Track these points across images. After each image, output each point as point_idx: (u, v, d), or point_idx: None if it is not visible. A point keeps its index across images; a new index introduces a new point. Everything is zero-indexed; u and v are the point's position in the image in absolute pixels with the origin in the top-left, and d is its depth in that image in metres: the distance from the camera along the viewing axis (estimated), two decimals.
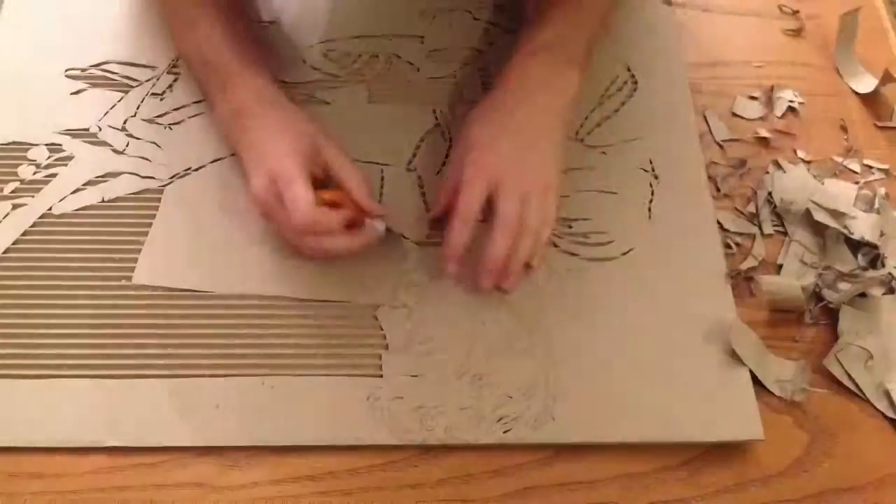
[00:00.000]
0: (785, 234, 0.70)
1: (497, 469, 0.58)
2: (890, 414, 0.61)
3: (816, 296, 0.66)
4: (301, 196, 0.58)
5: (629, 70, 0.78)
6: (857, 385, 0.62)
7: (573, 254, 0.67)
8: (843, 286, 0.65)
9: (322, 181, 0.62)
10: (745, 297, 0.66)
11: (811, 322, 0.65)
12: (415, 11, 0.81)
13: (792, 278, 0.66)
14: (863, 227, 0.68)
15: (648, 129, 0.74)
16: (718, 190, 0.72)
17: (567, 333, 0.62)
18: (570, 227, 0.68)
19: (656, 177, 0.71)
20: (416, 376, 0.60)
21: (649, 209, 0.69)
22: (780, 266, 0.67)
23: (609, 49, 0.79)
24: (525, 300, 0.64)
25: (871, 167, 0.75)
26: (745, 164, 0.73)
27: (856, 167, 0.74)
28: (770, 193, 0.71)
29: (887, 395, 0.61)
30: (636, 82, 0.77)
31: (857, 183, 0.73)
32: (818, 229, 0.69)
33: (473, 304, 0.63)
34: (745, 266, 0.67)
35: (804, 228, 0.69)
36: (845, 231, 0.68)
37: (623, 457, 0.59)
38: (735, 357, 0.61)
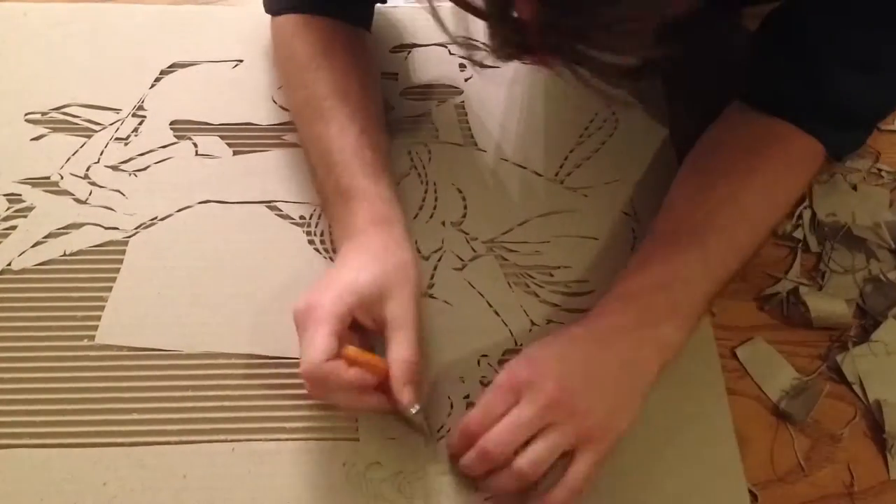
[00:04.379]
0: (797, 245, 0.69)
1: None
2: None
3: (859, 309, 0.66)
4: (315, 345, 0.52)
5: (609, 107, 0.76)
6: (864, 390, 0.62)
7: (554, 304, 0.65)
8: (888, 295, 0.66)
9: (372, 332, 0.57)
10: (778, 317, 0.66)
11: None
12: (387, 48, 0.79)
13: (834, 294, 0.66)
14: None
15: (629, 169, 0.72)
16: None
17: None
18: (552, 275, 0.66)
19: (638, 221, 0.69)
20: (393, 439, 0.58)
21: None
22: (823, 274, 0.68)
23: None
24: (504, 353, 0.62)
25: (880, 171, 0.74)
26: None
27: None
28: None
29: (879, 408, 0.61)
30: (616, 120, 0.75)
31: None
32: (856, 240, 0.69)
33: (452, 362, 0.61)
34: (780, 289, 0.66)
35: (841, 241, 0.69)
36: (886, 244, 0.68)
37: None
38: (723, 430, 0.60)
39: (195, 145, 0.72)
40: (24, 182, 0.69)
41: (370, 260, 0.57)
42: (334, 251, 0.64)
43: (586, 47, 0.41)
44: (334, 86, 0.65)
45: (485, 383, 0.60)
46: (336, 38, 0.67)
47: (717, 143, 0.64)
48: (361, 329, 0.56)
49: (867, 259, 0.68)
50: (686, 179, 0.64)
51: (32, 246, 0.65)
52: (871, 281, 0.67)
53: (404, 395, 0.54)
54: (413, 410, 0.54)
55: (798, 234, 0.70)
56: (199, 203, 0.68)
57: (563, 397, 0.52)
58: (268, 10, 0.71)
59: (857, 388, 0.62)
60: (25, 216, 0.67)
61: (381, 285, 0.56)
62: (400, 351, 0.54)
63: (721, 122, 0.65)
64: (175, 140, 0.72)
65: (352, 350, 0.53)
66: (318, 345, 0.52)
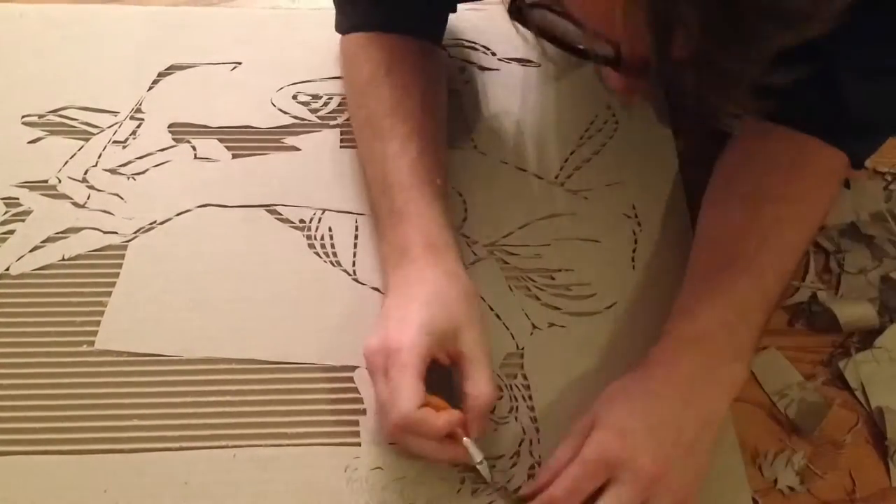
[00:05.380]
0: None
1: None
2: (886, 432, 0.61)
3: (882, 304, 0.65)
4: (406, 393, 0.51)
5: (609, 108, 0.76)
6: (866, 396, 0.61)
7: (555, 307, 0.64)
8: None
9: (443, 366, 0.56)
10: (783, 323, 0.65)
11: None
12: None
13: (849, 294, 0.66)
14: None
15: (630, 171, 0.72)
16: None
17: (550, 394, 0.60)
18: (553, 278, 0.66)
19: (639, 223, 0.69)
20: (394, 444, 0.58)
21: (633, 258, 0.67)
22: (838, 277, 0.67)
23: (588, 86, 0.77)
24: (506, 357, 0.62)
25: (882, 173, 0.74)
26: None
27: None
28: None
29: (881, 415, 0.61)
30: (617, 121, 0.75)
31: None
32: (863, 238, 0.69)
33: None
34: (801, 297, 0.66)
35: (849, 239, 0.69)
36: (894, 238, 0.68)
37: None
38: (726, 436, 0.59)
39: (194, 148, 0.71)
40: (22, 185, 0.68)
41: (436, 293, 0.56)
42: (344, 265, 0.66)
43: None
44: (393, 104, 0.64)
45: None
46: (399, 55, 0.67)
47: (749, 165, 0.63)
48: None
49: (876, 256, 0.68)
50: (723, 205, 0.63)
51: (31, 250, 0.65)
52: (885, 279, 0.67)
53: (475, 428, 0.54)
54: (478, 459, 0.54)
55: None
56: (199, 207, 0.68)
57: (661, 472, 0.51)
58: (338, 30, 0.71)
59: (859, 394, 0.62)
60: (23, 220, 0.66)
61: (454, 320, 0.55)
62: (479, 385, 0.54)
63: (745, 140, 0.64)
64: (173, 143, 0.72)
65: (433, 399, 0.53)
66: (408, 392, 0.52)
